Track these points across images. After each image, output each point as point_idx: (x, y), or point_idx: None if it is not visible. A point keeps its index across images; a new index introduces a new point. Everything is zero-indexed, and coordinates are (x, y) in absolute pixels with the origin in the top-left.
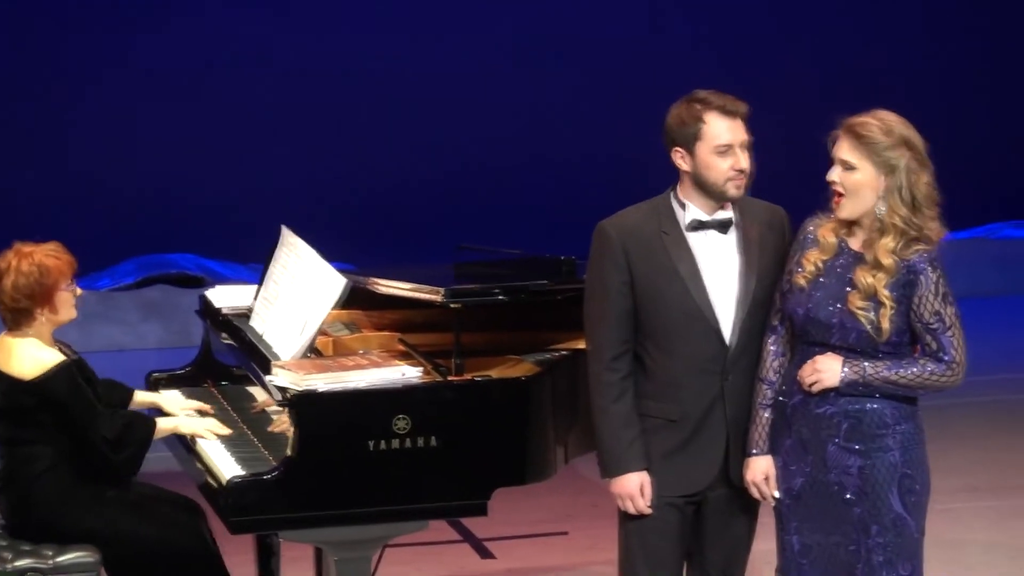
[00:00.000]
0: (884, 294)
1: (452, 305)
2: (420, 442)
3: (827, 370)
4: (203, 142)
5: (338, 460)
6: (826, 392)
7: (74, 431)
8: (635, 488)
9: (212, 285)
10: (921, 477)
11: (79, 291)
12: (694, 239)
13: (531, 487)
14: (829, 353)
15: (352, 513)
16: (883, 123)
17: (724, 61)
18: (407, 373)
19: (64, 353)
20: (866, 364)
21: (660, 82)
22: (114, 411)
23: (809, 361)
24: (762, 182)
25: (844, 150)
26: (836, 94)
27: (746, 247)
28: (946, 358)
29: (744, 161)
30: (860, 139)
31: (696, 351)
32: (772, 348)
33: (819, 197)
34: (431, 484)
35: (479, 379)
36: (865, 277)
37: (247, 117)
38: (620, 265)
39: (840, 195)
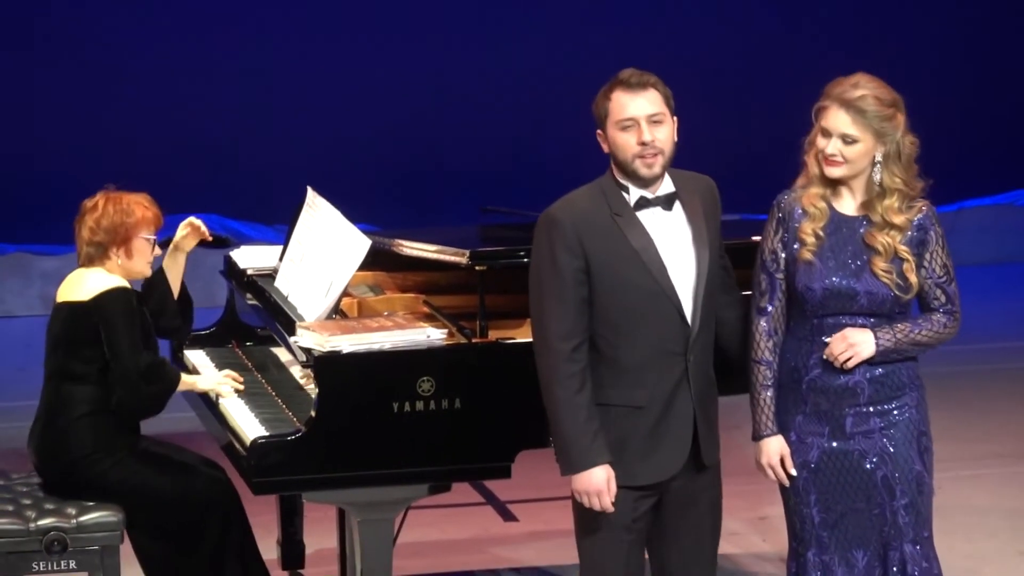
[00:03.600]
0: (903, 250)
1: (477, 267)
2: (444, 404)
3: (861, 342)
4: (228, 103)
5: (362, 421)
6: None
7: (112, 356)
8: (603, 483)
9: (237, 246)
10: (930, 435)
11: (158, 250)
12: (645, 218)
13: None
14: (848, 328)
15: (375, 475)
16: (875, 93)
17: (727, 23)
18: (431, 335)
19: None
20: (895, 328)
21: (671, 46)
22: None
23: (837, 337)
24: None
25: (844, 124)
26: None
27: (692, 219)
28: (954, 309)
29: (648, 134)
30: (862, 114)
31: (659, 332)
32: (764, 328)
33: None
34: (454, 446)
35: (503, 341)
36: (882, 238)
37: (273, 78)
38: (575, 252)
39: (837, 163)
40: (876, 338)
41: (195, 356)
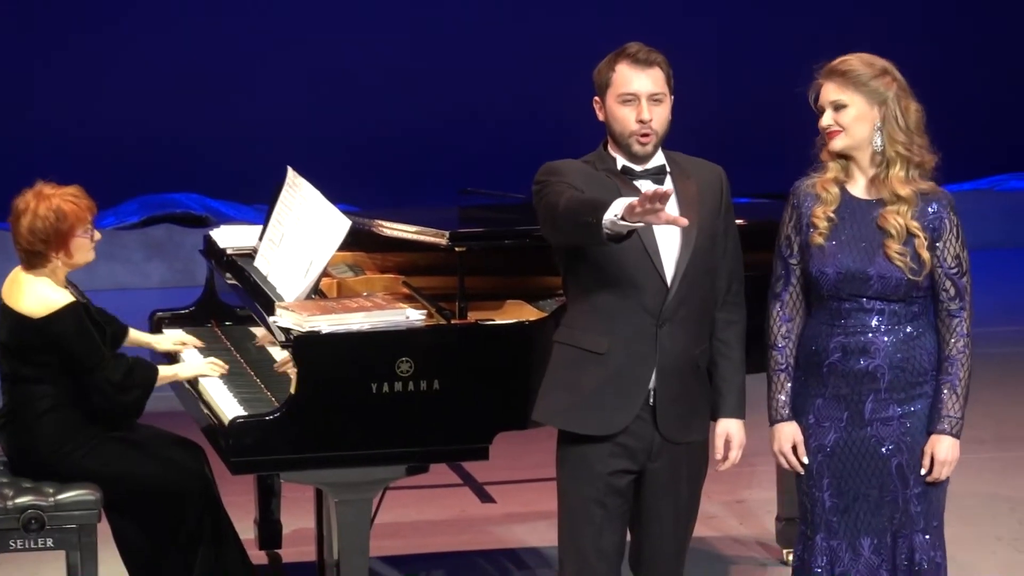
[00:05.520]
0: (914, 225)
1: (456, 248)
2: (423, 385)
3: (945, 452)
4: (208, 82)
5: (340, 402)
6: (867, 347)
7: (79, 373)
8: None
9: (217, 225)
10: None
11: (98, 235)
12: (638, 184)
13: (533, 432)
14: (929, 450)
15: (353, 455)
16: (860, 57)
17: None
18: (411, 316)
19: (73, 295)
20: (949, 406)
21: (661, 27)
22: (117, 355)
23: (927, 459)
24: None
25: (832, 91)
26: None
27: (683, 200)
28: (961, 304)
29: (647, 113)
30: (845, 75)
31: (635, 287)
32: (778, 313)
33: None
34: (433, 427)
35: (482, 323)
36: (894, 219)
37: (253, 57)
38: (575, 185)
39: (835, 132)
40: (951, 434)
41: (174, 335)
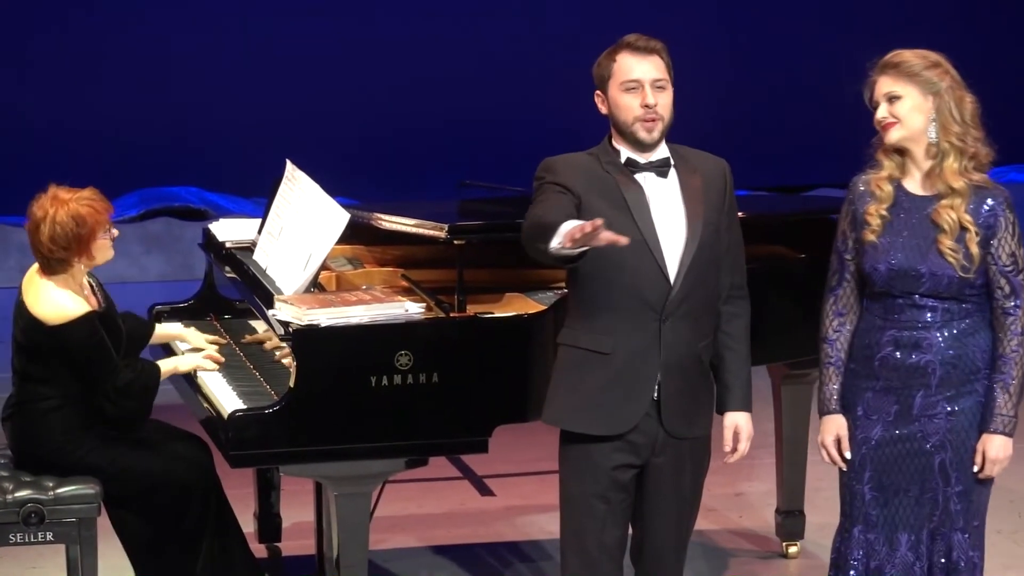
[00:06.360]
0: (967, 219)
1: (455, 241)
2: (422, 378)
3: (996, 450)
4: (208, 75)
5: (339, 395)
6: (920, 342)
7: (87, 379)
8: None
9: (215, 218)
10: None
11: (116, 232)
12: (639, 179)
13: (532, 425)
14: (981, 448)
15: (352, 448)
16: (913, 51)
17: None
18: (410, 309)
19: (94, 294)
20: (1001, 405)
21: (674, 25)
22: (126, 361)
23: (979, 457)
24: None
25: (886, 84)
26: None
27: (688, 193)
28: (1017, 302)
29: (652, 97)
30: (898, 67)
31: (636, 284)
32: (831, 307)
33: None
34: (432, 421)
35: (481, 316)
36: (947, 213)
37: (253, 50)
38: (566, 188)
39: (890, 124)
40: (1003, 433)
41: (173, 329)
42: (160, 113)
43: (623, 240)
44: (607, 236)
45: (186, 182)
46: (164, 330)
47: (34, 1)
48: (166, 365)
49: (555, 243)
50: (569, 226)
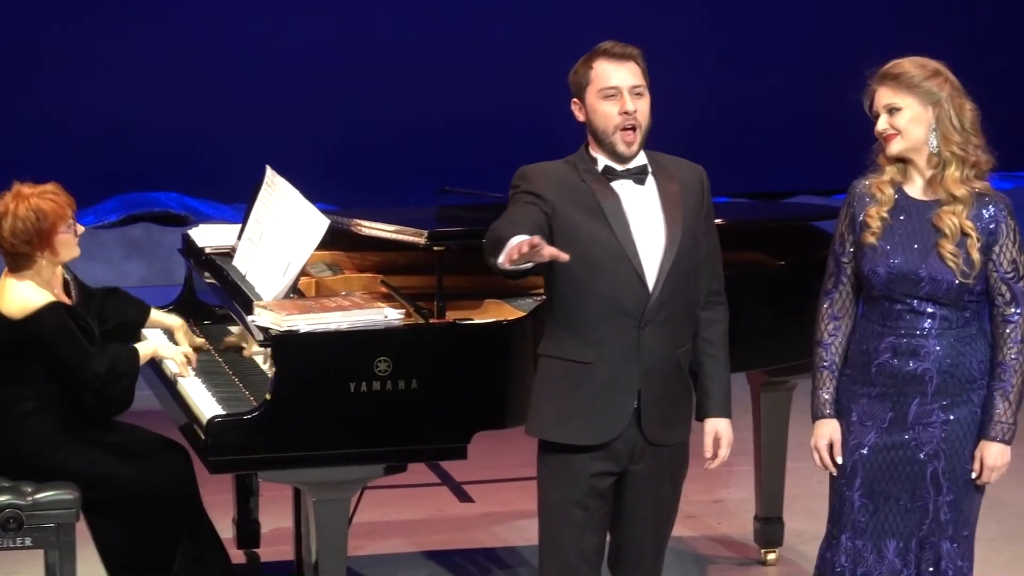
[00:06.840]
0: (968, 225)
1: (435, 247)
2: (401, 384)
3: (994, 458)
4: (187, 81)
5: (318, 401)
6: (917, 349)
7: (63, 372)
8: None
9: (195, 224)
10: None
11: (80, 228)
12: (616, 186)
13: (511, 431)
14: (980, 455)
15: (331, 454)
16: (912, 60)
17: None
18: (389, 315)
19: (68, 292)
20: (1000, 412)
21: (653, 30)
22: (101, 347)
23: (977, 464)
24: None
25: (885, 95)
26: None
27: (666, 200)
28: (1017, 310)
29: (631, 104)
30: (898, 79)
31: (615, 292)
32: (826, 310)
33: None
34: (411, 427)
35: (461, 322)
36: (949, 218)
37: (232, 56)
38: (539, 196)
39: (891, 136)
40: (1002, 441)
41: (152, 334)
42: (140, 118)
43: (564, 256)
44: (549, 252)
45: (166, 187)
46: (160, 318)
47: (12, 5)
48: (144, 349)
49: (501, 259)
50: (513, 243)
